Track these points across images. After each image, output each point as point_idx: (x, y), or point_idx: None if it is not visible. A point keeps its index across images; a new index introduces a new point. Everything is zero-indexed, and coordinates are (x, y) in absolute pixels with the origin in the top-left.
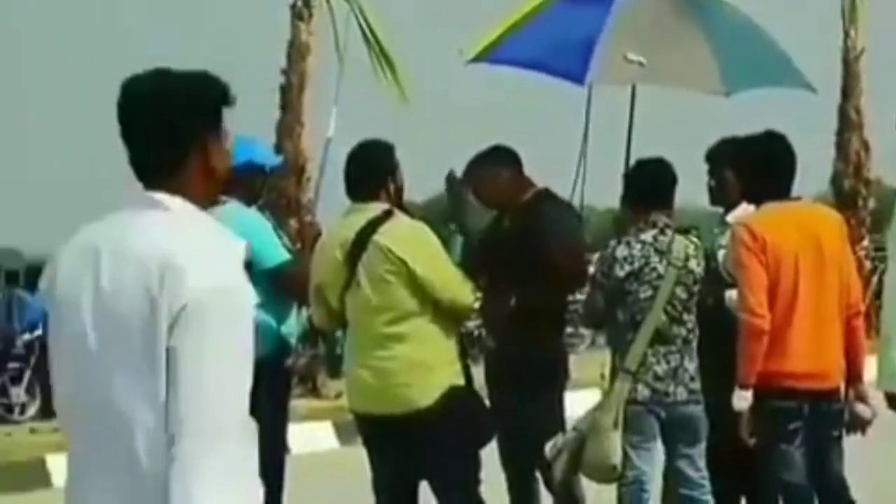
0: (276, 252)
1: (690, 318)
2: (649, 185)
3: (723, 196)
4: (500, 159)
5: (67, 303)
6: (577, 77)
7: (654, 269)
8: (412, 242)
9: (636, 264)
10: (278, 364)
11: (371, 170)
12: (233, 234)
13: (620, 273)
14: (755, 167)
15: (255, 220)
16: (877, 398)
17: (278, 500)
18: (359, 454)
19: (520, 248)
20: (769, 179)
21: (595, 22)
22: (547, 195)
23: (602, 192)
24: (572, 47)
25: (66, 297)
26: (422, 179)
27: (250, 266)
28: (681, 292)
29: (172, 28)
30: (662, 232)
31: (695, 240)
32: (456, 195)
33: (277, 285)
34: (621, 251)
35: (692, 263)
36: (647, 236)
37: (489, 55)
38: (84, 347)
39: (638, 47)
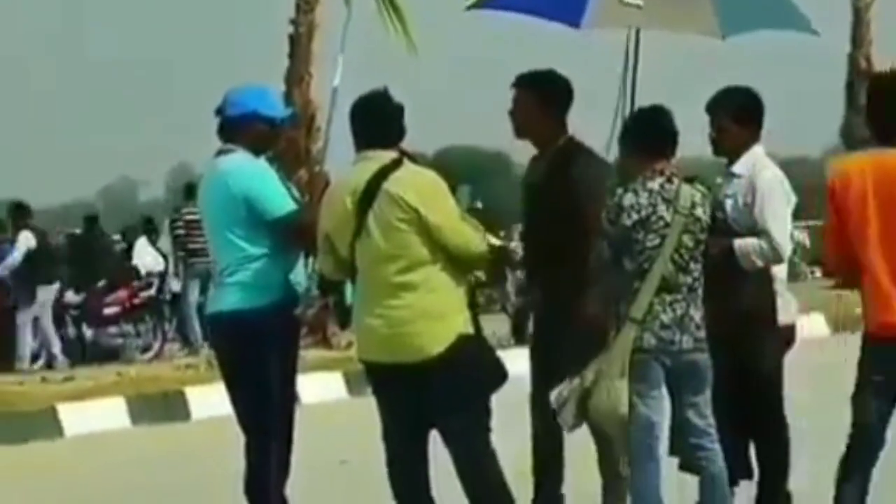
0: (282, 202)
1: (697, 267)
2: (654, 132)
3: (725, 146)
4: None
5: None
6: (574, 21)
7: (661, 217)
8: (424, 190)
9: (643, 212)
10: (287, 314)
11: (388, 120)
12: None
13: (627, 221)
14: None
15: (260, 169)
16: None
17: (288, 450)
18: (369, 404)
19: (554, 194)
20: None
21: None
22: (579, 144)
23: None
24: None
25: None
26: (429, 131)
27: (262, 218)
28: (688, 240)
29: None
30: (669, 180)
31: (701, 188)
32: None
33: (284, 235)
34: (628, 199)
35: (699, 211)
36: (654, 184)
37: (488, 1)
38: None
39: None
